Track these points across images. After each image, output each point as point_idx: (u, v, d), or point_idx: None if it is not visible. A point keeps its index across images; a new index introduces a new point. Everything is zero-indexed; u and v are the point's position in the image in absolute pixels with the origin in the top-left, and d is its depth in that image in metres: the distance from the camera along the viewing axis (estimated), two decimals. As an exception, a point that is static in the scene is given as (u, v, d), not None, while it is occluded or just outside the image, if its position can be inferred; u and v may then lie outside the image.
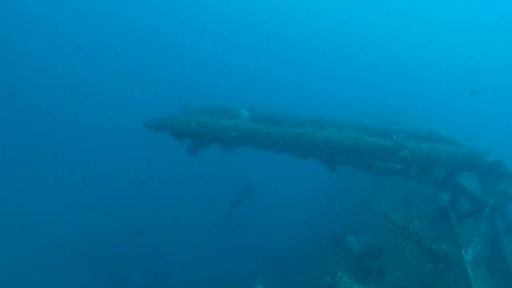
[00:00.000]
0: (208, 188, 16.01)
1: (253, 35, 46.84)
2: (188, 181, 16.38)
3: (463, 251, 5.88)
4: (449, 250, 5.98)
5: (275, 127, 6.23)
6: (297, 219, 12.81)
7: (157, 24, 42.36)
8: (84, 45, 35.27)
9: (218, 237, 14.27)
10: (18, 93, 26.54)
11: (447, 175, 6.80)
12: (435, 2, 52.24)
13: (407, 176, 6.69)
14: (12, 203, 15.97)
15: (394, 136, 6.29)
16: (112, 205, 15.87)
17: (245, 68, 39.51)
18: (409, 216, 7.01)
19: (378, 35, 48.30)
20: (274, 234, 13.23)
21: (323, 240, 9.18)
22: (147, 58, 36.59)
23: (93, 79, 30.35)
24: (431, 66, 42.12)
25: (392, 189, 9.21)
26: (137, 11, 42.64)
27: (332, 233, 7.98)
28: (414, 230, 6.00)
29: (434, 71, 41.11)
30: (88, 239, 14.17)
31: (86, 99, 27.46)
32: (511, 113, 29.69)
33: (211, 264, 12.59)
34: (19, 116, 23.56)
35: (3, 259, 13.05)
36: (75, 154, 20.26)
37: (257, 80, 37.56)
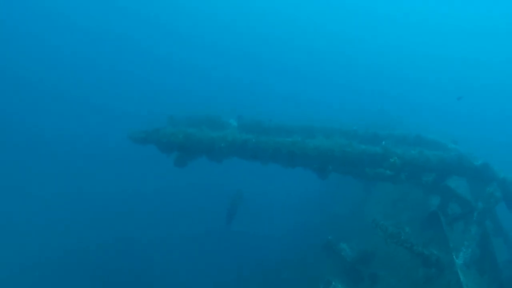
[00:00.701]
0: (197, 198, 15.88)
1: (235, 40, 46.73)
2: (176, 192, 16.21)
3: (454, 256, 5.90)
4: (440, 255, 6.00)
5: (264, 137, 6.18)
6: (288, 228, 12.77)
7: (137, 32, 41.93)
8: (64, 56, 34.77)
9: (209, 247, 14.15)
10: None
11: (436, 179, 6.84)
12: (420, 5, 52.86)
13: (397, 181, 6.71)
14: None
15: (383, 142, 6.30)
16: (100, 218, 15.61)
17: (230, 74, 39.45)
18: (400, 222, 7.04)
19: (362, 38, 48.70)
20: (265, 243, 13.16)
21: (315, 248, 9.14)
22: (127, 66, 36.15)
23: (74, 90, 29.83)
24: (416, 68, 42.67)
25: (381, 193, 9.25)
26: (116, 18, 42.15)
27: (324, 241, 7.95)
28: (406, 236, 6.00)
29: (419, 72, 41.65)
30: (76, 253, 13.94)
31: (67, 110, 27.00)
32: (498, 114, 30.26)
33: (202, 274, 12.46)
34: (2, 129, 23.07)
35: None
36: (61, 167, 19.91)
37: (242, 85, 37.54)
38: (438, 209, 6.90)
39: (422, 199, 7.59)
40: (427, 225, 6.94)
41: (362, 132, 8.30)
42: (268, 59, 43.89)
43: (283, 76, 40.22)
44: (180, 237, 14.51)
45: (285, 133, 7.68)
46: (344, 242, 7.92)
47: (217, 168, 7.59)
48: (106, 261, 13.49)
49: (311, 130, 7.90)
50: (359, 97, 32.52)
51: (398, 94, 34.27)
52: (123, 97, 30.00)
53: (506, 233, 7.94)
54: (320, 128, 8.13)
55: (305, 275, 9.07)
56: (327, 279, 6.39)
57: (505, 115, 30.85)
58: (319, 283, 7.03)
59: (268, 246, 12.94)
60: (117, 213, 15.82)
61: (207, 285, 11.82)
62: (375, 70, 41.31)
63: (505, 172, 6.77)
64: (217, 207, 12.16)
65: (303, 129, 8.08)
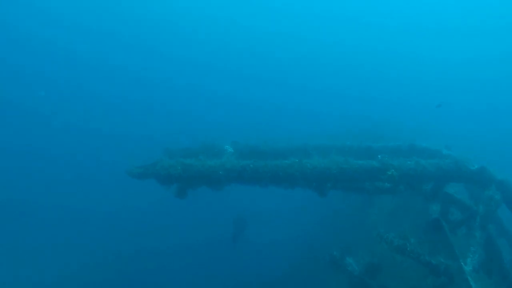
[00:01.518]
0: (201, 224, 15.95)
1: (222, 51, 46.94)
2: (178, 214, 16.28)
3: (462, 263, 5.92)
4: (448, 263, 6.01)
5: (262, 161, 6.22)
6: (291, 244, 12.76)
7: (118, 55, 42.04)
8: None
9: (214, 262, 14.16)
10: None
11: (435, 187, 6.91)
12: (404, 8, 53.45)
13: (396, 193, 6.77)
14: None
15: (379, 156, 6.38)
16: (108, 244, 15.77)
17: (220, 87, 39.60)
18: (404, 232, 7.06)
19: (344, 44, 49.09)
20: (269, 260, 13.11)
21: (320, 263, 9.12)
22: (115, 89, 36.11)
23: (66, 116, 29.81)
24: (399, 71, 43.09)
25: (381, 204, 9.29)
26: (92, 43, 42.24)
27: (330, 256, 7.93)
28: (412, 247, 6.03)
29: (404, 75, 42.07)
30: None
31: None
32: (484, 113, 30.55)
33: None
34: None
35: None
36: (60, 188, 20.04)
37: (234, 96, 37.71)
38: (440, 216, 6.95)
39: (422, 207, 7.64)
40: (430, 232, 6.97)
41: (356, 146, 8.40)
42: (253, 68, 44.15)
43: (270, 88, 40.44)
44: (184, 252, 14.60)
45: (281, 154, 7.73)
46: (349, 256, 7.91)
47: (217, 193, 7.61)
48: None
49: (306, 149, 7.97)
50: (343, 103, 32.86)
51: (388, 97, 34.51)
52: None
53: (509, 233, 7.99)
54: (315, 146, 8.20)
55: None
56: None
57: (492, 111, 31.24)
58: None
59: (272, 264, 12.92)
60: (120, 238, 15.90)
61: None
62: (359, 74, 41.61)
63: (502, 174, 6.86)
64: (223, 229, 12.19)
65: (298, 149, 8.15)
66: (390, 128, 13.67)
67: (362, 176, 6.31)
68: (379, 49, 46.64)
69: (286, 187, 6.47)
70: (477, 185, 6.82)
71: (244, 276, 13.25)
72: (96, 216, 17.58)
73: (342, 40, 49.15)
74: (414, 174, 6.32)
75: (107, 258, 15.10)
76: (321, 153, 7.14)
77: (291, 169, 6.06)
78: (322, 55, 46.62)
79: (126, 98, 34.04)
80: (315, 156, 6.50)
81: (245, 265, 13.54)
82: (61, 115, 27.97)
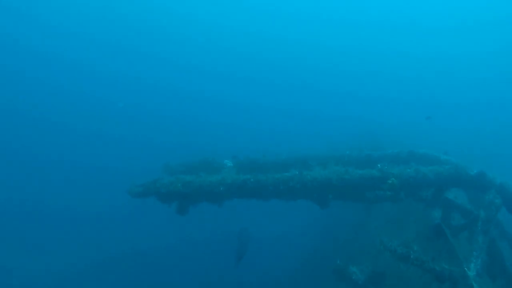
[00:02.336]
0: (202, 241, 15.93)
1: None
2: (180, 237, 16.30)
3: (466, 268, 5.92)
4: (452, 269, 6.02)
5: (262, 175, 6.23)
6: (293, 256, 12.71)
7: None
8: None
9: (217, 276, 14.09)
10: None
11: (435, 194, 6.94)
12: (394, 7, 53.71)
13: (397, 201, 6.79)
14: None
15: (379, 165, 6.41)
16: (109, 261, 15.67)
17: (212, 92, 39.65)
18: (406, 240, 7.07)
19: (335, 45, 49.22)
20: (272, 272, 13.06)
21: (324, 273, 9.07)
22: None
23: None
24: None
25: (382, 211, 9.30)
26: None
27: (334, 266, 7.91)
28: (415, 255, 6.03)
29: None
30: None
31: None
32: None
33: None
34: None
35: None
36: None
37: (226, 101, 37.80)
38: (441, 221, 6.97)
39: (423, 213, 7.66)
40: (432, 238, 6.99)
41: (355, 156, 8.44)
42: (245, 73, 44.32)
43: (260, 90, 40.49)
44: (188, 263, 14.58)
45: (281, 167, 7.74)
46: (353, 265, 7.89)
47: (217, 209, 7.60)
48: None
49: (305, 160, 7.99)
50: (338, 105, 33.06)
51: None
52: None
53: (510, 236, 8.02)
54: (314, 157, 8.22)
55: None
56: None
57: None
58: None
59: (274, 275, 12.86)
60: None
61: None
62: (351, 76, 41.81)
63: (500, 177, 6.91)
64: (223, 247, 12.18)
65: (297, 160, 8.16)
66: (388, 132, 13.77)
67: (362, 186, 6.33)
68: (370, 47, 46.95)
69: (287, 199, 6.48)
70: (477, 190, 6.86)
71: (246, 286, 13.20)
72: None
73: (337, 40, 49.46)
74: (414, 181, 6.35)
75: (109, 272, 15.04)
76: (321, 164, 7.16)
77: (292, 182, 6.07)
78: (317, 55, 46.82)
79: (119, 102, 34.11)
80: (315, 167, 6.51)
81: (247, 275, 13.46)
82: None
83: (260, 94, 39.95)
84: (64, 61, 39.08)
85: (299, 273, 11.82)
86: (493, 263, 6.85)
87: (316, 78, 42.76)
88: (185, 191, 6.20)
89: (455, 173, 6.51)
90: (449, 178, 6.53)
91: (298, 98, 38.01)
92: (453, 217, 7.31)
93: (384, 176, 6.25)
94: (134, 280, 14.37)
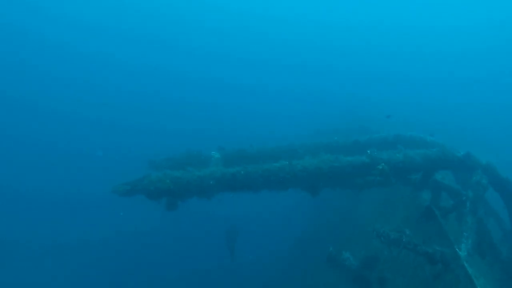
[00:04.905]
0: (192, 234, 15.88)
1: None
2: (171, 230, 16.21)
3: (457, 249, 6.01)
4: (443, 250, 6.09)
5: (252, 167, 6.12)
6: (284, 245, 12.76)
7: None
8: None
9: (210, 272, 14.08)
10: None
11: (424, 177, 6.99)
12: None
13: (388, 185, 6.81)
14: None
15: (368, 151, 6.40)
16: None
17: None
18: (397, 224, 7.12)
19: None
20: (263, 262, 13.14)
21: (317, 260, 9.11)
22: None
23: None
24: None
25: (370, 196, 9.36)
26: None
27: (327, 253, 7.93)
28: (407, 238, 6.08)
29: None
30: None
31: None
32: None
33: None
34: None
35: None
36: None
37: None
38: (431, 203, 7.04)
39: (412, 196, 7.73)
40: (422, 221, 7.06)
41: (343, 142, 8.42)
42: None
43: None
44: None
45: (269, 156, 7.65)
46: (345, 251, 7.93)
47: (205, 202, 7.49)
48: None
49: (294, 149, 7.93)
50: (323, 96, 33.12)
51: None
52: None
53: (497, 213, 8.19)
54: (302, 145, 8.17)
55: None
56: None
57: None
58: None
59: (266, 264, 12.92)
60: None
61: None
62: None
63: (485, 157, 7.00)
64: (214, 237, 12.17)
65: (286, 150, 8.09)
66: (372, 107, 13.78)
67: (353, 173, 6.31)
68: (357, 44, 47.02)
69: (278, 189, 6.41)
70: (464, 171, 6.94)
71: (239, 278, 13.22)
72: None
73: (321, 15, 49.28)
74: (403, 166, 6.38)
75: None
76: (309, 152, 7.10)
77: (282, 172, 5.98)
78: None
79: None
80: (304, 155, 6.44)
81: (239, 267, 13.49)
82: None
83: (244, 73, 39.80)
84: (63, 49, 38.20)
85: (289, 262, 11.88)
86: (482, 241, 6.97)
87: (300, 55, 42.72)
88: (174, 187, 6.04)
89: (442, 156, 6.57)
90: (437, 161, 6.59)
91: (284, 76, 38.00)
92: (442, 197, 7.40)
93: (374, 162, 6.25)
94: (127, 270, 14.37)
